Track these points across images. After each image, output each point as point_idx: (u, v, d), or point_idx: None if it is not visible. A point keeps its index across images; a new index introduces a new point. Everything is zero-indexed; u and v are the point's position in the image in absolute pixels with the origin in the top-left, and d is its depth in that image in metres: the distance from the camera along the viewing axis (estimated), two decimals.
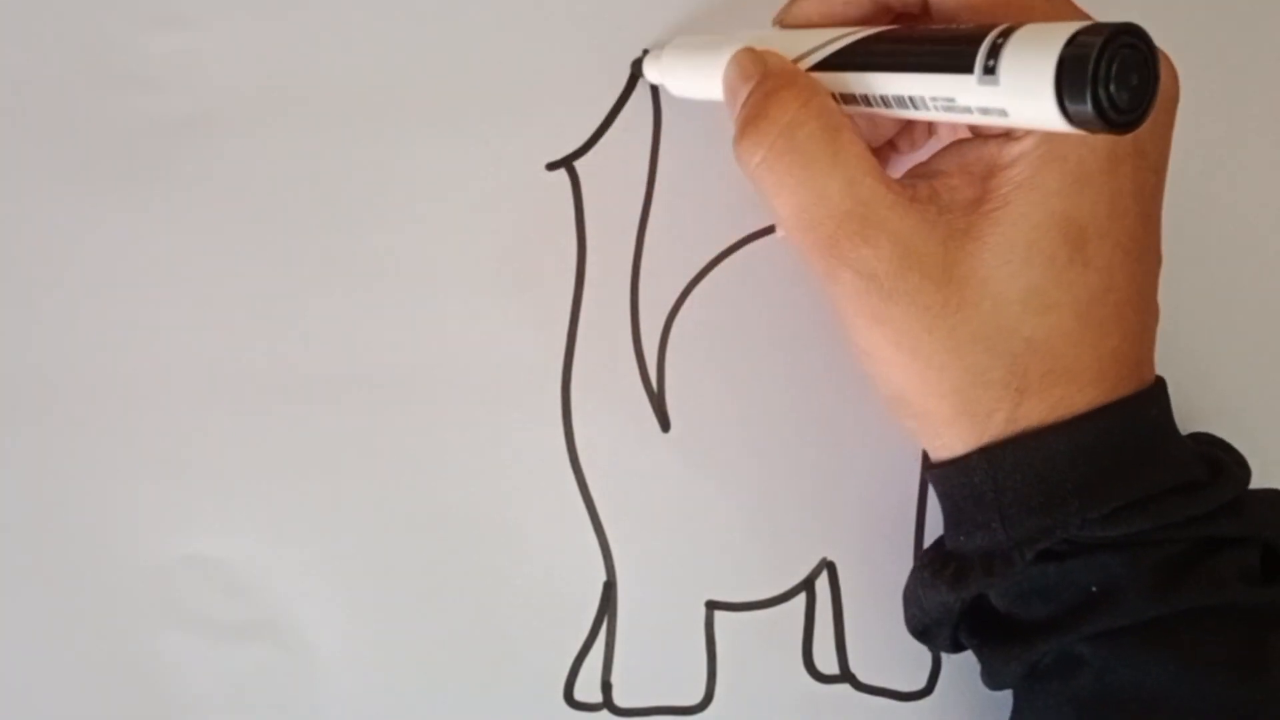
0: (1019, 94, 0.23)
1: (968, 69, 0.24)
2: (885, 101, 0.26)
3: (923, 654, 0.35)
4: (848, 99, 0.28)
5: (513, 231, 0.35)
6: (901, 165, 0.33)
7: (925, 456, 0.35)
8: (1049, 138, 0.27)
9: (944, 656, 0.35)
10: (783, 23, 0.31)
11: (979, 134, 0.29)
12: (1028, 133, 0.27)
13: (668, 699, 0.35)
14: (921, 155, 0.32)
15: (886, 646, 0.35)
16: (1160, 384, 0.30)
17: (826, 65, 0.28)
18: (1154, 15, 0.36)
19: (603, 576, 0.35)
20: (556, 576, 0.35)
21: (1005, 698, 0.34)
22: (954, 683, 0.35)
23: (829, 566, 0.35)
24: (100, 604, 0.34)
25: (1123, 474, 0.28)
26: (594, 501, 0.35)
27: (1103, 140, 0.27)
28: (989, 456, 0.28)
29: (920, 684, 0.35)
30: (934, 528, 0.35)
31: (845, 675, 0.35)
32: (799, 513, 0.35)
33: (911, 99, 0.26)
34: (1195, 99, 0.37)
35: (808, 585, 0.35)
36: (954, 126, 0.31)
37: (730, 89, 0.30)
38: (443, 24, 0.35)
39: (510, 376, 0.35)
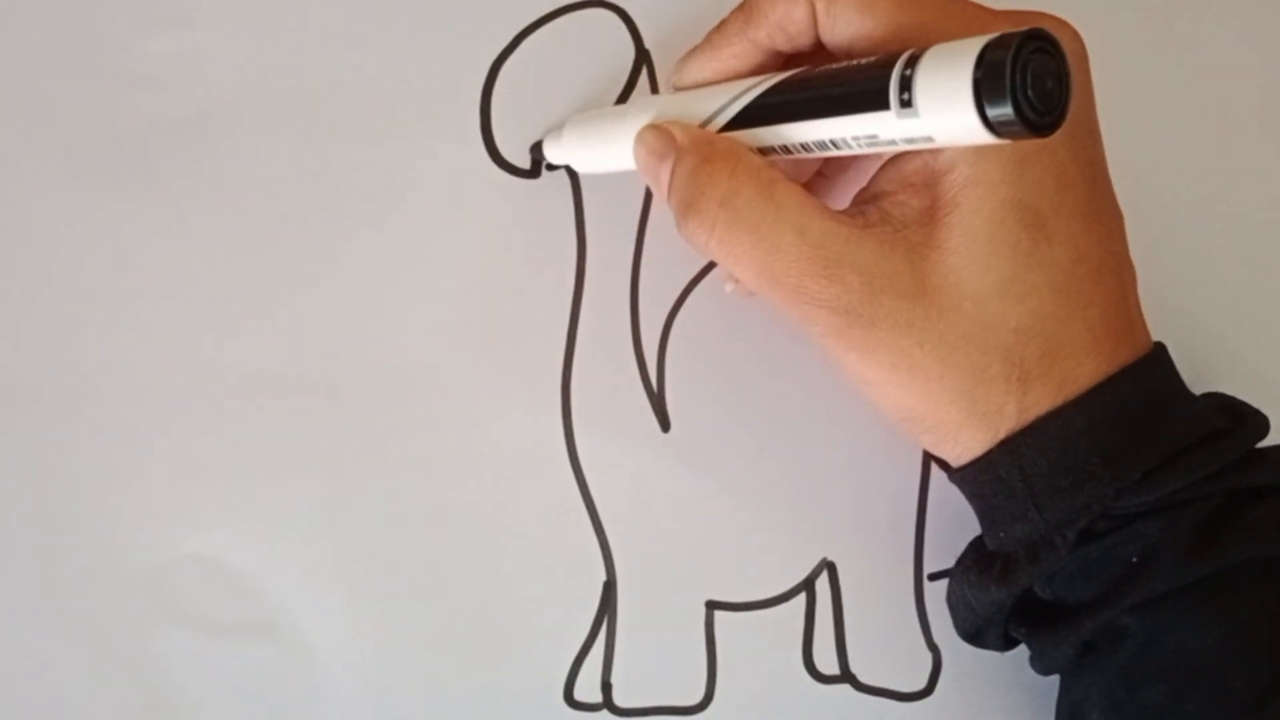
0: (940, 120, 0.23)
1: (884, 105, 0.24)
2: (807, 148, 0.27)
3: (923, 654, 0.35)
4: (766, 151, 0.28)
5: (513, 231, 0.35)
6: (837, 190, 0.33)
7: (929, 460, 0.35)
8: None
9: (944, 657, 0.35)
10: (676, 85, 0.31)
11: (910, 153, 0.28)
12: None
13: (668, 699, 0.35)
14: (855, 175, 0.32)
15: (886, 646, 0.35)
16: (1160, 346, 0.30)
17: (737, 124, 0.28)
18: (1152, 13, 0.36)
19: (603, 576, 0.35)
20: (556, 576, 0.35)
21: (1005, 698, 0.34)
22: (954, 683, 0.35)
23: (829, 566, 0.35)
24: (100, 604, 0.34)
25: (1144, 437, 0.28)
26: (594, 501, 0.35)
27: None
28: (1010, 448, 0.28)
29: (920, 684, 0.35)
30: (934, 528, 0.35)
31: (845, 675, 0.35)
32: (799, 513, 0.35)
33: (833, 141, 0.26)
34: (1193, 94, 0.37)
35: (808, 585, 0.35)
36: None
37: (647, 172, 0.30)
38: (443, 24, 0.35)
39: (510, 376, 0.35)
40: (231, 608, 0.34)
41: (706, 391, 0.35)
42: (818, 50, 0.29)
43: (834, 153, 0.26)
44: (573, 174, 0.35)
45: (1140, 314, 0.30)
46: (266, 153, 0.34)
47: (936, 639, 0.35)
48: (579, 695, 0.35)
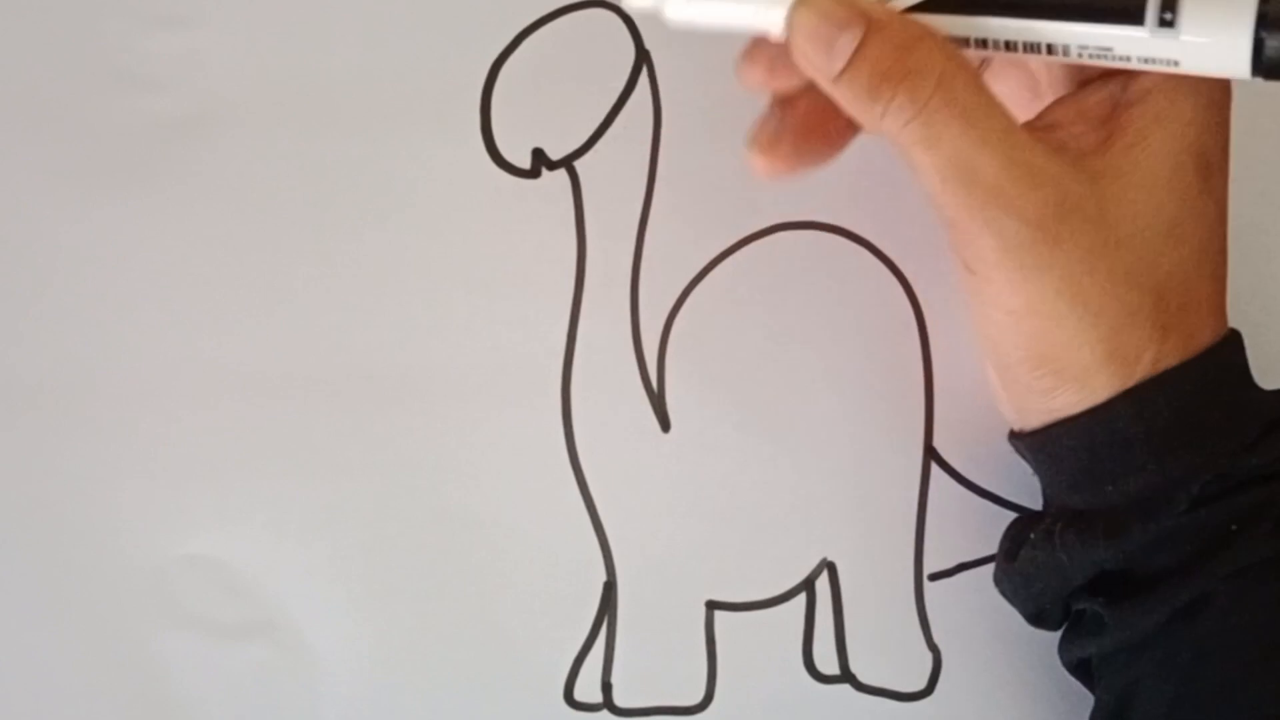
0: (1203, 44, 0.22)
1: (1137, 19, 0.23)
2: (1013, 47, 0.25)
3: (923, 654, 0.35)
4: (958, 42, 0.27)
5: (513, 231, 0.35)
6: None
7: (929, 460, 0.35)
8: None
9: (944, 657, 0.35)
10: None
11: (1092, 78, 0.28)
12: (1154, 73, 0.27)
13: (668, 699, 0.35)
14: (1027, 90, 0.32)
15: (886, 646, 0.35)
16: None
17: (934, 5, 0.27)
18: None
19: (603, 576, 0.35)
20: (556, 576, 0.35)
21: (1005, 698, 0.34)
22: (954, 683, 0.35)
23: (829, 566, 0.35)
24: (100, 604, 0.34)
25: (1257, 400, 0.29)
26: (594, 501, 0.35)
27: None
28: (1135, 398, 0.28)
29: (920, 684, 0.35)
30: (934, 528, 0.35)
31: (845, 675, 0.35)
32: (799, 513, 0.35)
33: (1053, 46, 0.25)
34: None
35: (808, 585, 0.35)
36: (1060, 75, 0.30)
37: (816, 39, 0.27)
38: (443, 24, 0.35)
39: (510, 376, 0.35)
40: (231, 608, 0.34)
41: (706, 391, 0.35)
42: None
43: (1045, 58, 0.25)
44: (573, 174, 0.35)
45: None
46: (266, 153, 0.34)
47: (936, 639, 0.35)
48: (579, 695, 0.35)
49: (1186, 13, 0.22)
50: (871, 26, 0.27)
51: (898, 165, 0.34)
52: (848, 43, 0.27)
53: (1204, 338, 0.28)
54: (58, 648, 0.34)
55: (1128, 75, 0.27)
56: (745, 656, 0.35)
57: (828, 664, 0.35)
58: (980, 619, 0.35)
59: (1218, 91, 0.28)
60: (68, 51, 0.34)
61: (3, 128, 0.34)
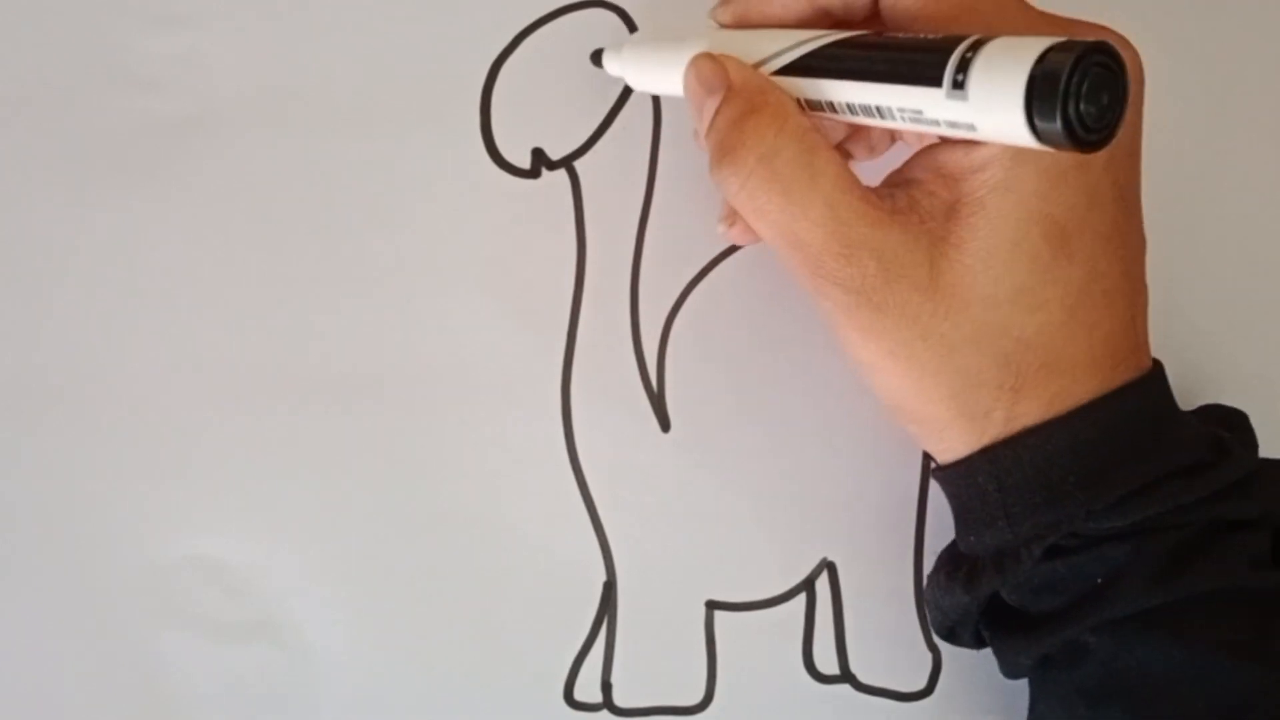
0: (988, 110, 0.23)
1: (936, 82, 0.23)
2: (852, 109, 0.26)
3: (923, 654, 0.35)
4: (813, 105, 0.28)
5: (513, 231, 0.35)
6: (858, 171, 0.33)
7: (929, 460, 0.35)
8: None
9: (944, 657, 0.35)
10: (718, 20, 0.31)
11: (948, 139, 0.28)
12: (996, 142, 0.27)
13: (668, 699, 0.35)
14: (880, 160, 0.32)
15: (886, 646, 0.35)
16: (1158, 367, 0.30)
17: (790, 70, 0.28)
18: (1145, 9, 0.36)
19: (603, 576, 0.35)
20: (556, 576, 0.35)
21: (1005, 698, 0.34)
22: (954, 683, 0.35)
23: (829, 566, 0.35)
24: (100, 604, 0.34)
25: (1124, 463, 0.28)
26: (594, 501, 0.35)
27: None
28: (990, 457, 0.29)
29: (920, 684, 0.35)
30: (934, 528, 0.35)
31: (845, 675, 0.35)
32: (799, 513, 0.35)
33: (879, 109, 0.25)
34: (1193, 90, 0.37)
35: (808, 585, 0.35)
36: (919, 133, 0.31)
37: (694, 100, 0.29)
38: (443, 24, 0.35)
39: (510, 376, 0.35)
40: (231, 608, 0.34)
41: (706, 391, 0.35)
42: (869, 17, 0.29)
43: (878, 122, 0.26)
44: (573, 174, 0.35)
45: (1145, 337, 0.30)
46: (266, 153, 0.34)
47: (937, 639, 0.35)
48: (579, 695, 0.35)
49: (974, 78, 0.23)
50: (728, 93, 0.28)
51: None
52: (710, 106, 0.28)
53: (1074, 397, 0.28)
54: (58, 648, 0.34)
55: (974, 143, 0.27)
56: (745, 656, 0.35)
57: (828, 664, 0.35)
58: None
59: (1064, 159, 0.27)
60: (68, 51, 0.34)
61: (3, 128, 0.34)
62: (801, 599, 0.35)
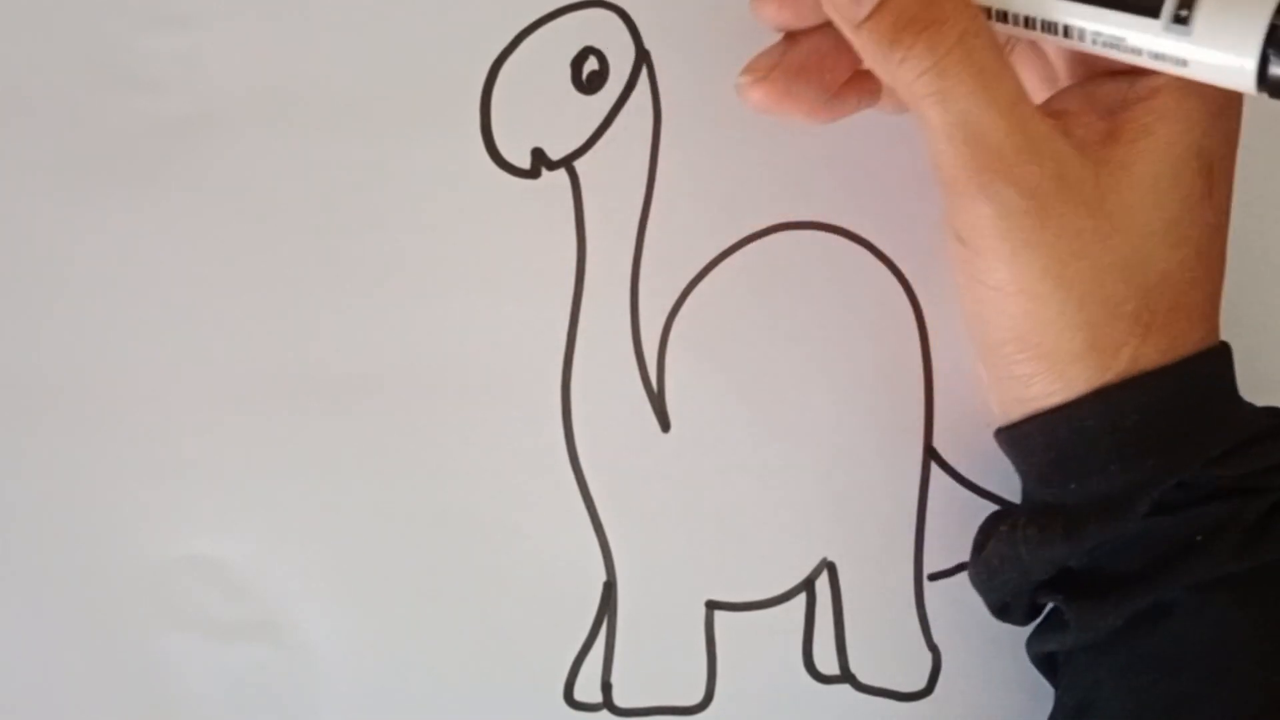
0: (1211, 49, 0.22)
1: (1153, 13, 0.23)
2: (1031, 24, 0.25)
3: (923, 654, 0.35)
4: (987, 12, 0.27)
5: (513, 231, 0.35)
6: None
7: (929, 460, 0.35)
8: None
9: (944, 657, 0.35)
10: None
11: (1105, 72, 0.28)
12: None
13: (668, 699, 0.35)
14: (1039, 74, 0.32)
15: (886, 646, 0.35)
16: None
17: None
18: None
19: (603, 576, 0.35)
20: (556, 576, 0.35)
21: (1005, 698, 0.34)
22: (954, 683, 0.35)
23: (829, 566, 0.35)
24: (100, 604, 0.34)
25: (1232, 416, 0.28)
26: (594, 501, 0.35)
27: None
28: (1104, 399, 0.28)
29: (920, 684, 0.35)
30: (934, 528, 0.35)
31: (845, 675, 0.35)
32: (799, 513, 0.35)
33: (1070, 29, 0.25)
34: None
35: (808, 585, 0.35)
36: (1075, 67, 0.30)
37: None
38: (443, 24, 0.35)
39: (510, 376, 0.35)
40: (231, 608, 0.34)
41: (706, 391, 0.35)
42: None
43: (1060, 41, 0.25)
44: (573, 174, 0.35)
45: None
46: (266, 153, 0.34)
47: (936, 639, 0.35)
48: (579, 695, 0.35)
49: (1202, 13, 0.22)
50: None
51: (898, 165, 0.34)
52: None
53: (1189, 344, 0.28)
54: (58, 648, 0.34)
55: (1137, 72, 0.27)
56: (745, 656, 0.35)
57: (828, 664, 0.35)
58: (980, 619, 0.34)
59: (1225, 99, 0.27)
60: (68, 51, 0.34)
61: (3, 128, 0.34)
62: (801, 599, 0.35)
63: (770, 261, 0.35)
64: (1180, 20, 0.22)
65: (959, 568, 0.35)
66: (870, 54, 0.27)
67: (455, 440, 0.34)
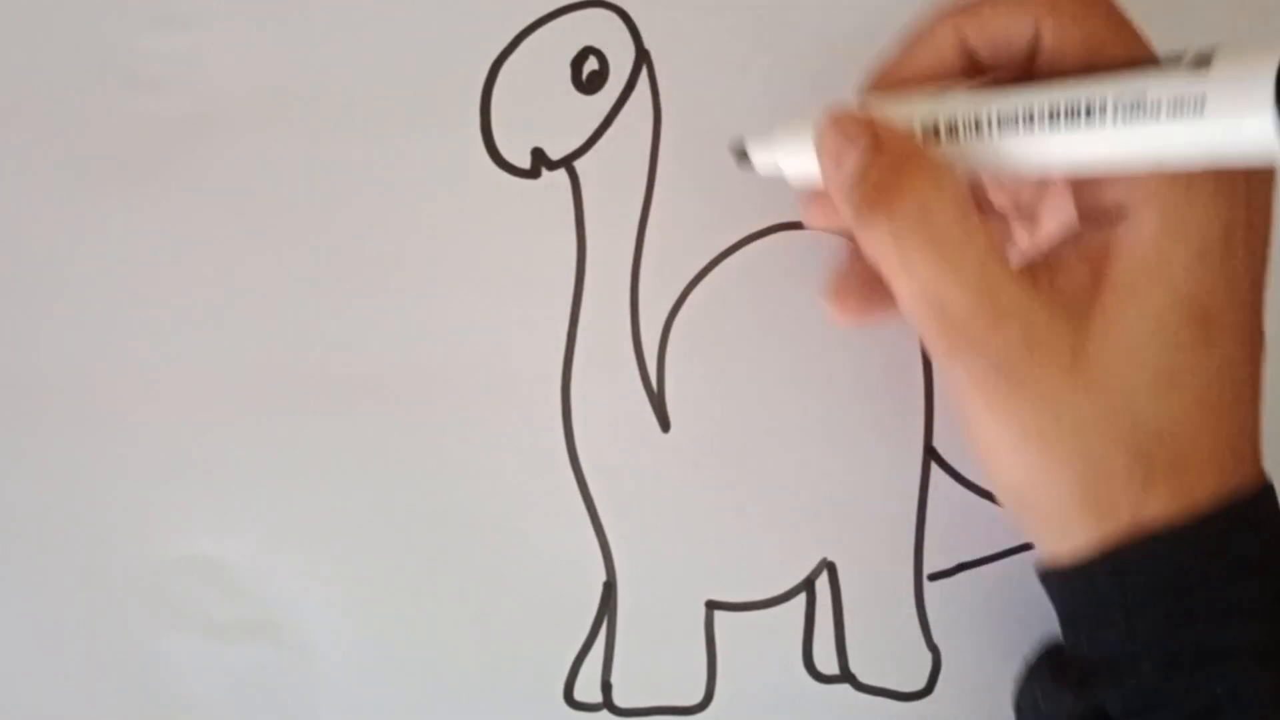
0: (1232, 84, 0.22)
1: (1173, 63, 0.23)
2: (1055, 113, 0.25)
3: (923, 654, 0.35)
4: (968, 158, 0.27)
5: (513, 231, 0.35)
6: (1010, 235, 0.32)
7: (929, 460, 0.35)
8: (1168, 217, 0.26)
9: (944, 657, 0.35)
10: (874, 86, 0.30)
11: (1091, 222, 0.28)
12: (1147, 215, 0.27)
13: (668, 699, 0.35)
14: (1027, 228, 0.32)
15: (886, 646, 0.35)
16: (1269, 483, 0.29)
17: (941, 132, 0.27)
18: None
19: (603, 576, 0.35)
20: (556, 576, 0.35)
21: (1005, 698, 0.34)
22: (954, 683, 0.35)
23: (829, 566, 0.35)
24: (100, 604, 0.34)
25: (1253, 573, 0.27)
26: (594, 501, 0.35)
27: (1219, 212, 0.26)
28: (1113, 559, 0.27)
29: (920, 684, 0.35)
30: (934, 528, 0.35)
31: (845, 675, 0.35)
32: (799, 513, 0.35)
33: (1089, 106, 0.24)
34: None
35: (808, 585, 0.35)
36: (1060, 218, 0.30)
37: (831, 153, 0.28)
38: (443, 24, 0.35)
39: (510, 376, 0.35)
40: (231, 608, 0.34)
41: (706, 391, 0.35)
42: (1022, 66, 0.28)
43: (1077, 132, 0.25)
44: (573, 174, 0.35)
45: (1259, 438, 0.29)
46: (266, 153, 0.34)
47: (936, 639, 0.35)
48: (579, 695, 0.35)
49: (1220, 56, 0.22)
50: (875, 144, 0.27)
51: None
52: (852, 158, 0.27)
53: (1201, 496, 0.27)
54: (58, 648, 0.34)
55: (1124, 222, 0.27)
56: (745, 656, 0.35)
57: (827, 664, 0.35)
58: (980, 619, 0.35)
59: (1211, 237, 0.26)
60: (68, 51, 0.34)
61: (2, 127, 0.34)
62: (801, 599, 0.35)
63: (770, 261, 0.35)
64: (1201, 62, 0.23)
65: (959, 568, 0.35)
66: (849, 223, 0.28)
67: (455, 440, 0.34)
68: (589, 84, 0.35)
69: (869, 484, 0.35)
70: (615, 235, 0.35)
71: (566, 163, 0.35)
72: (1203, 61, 0.23)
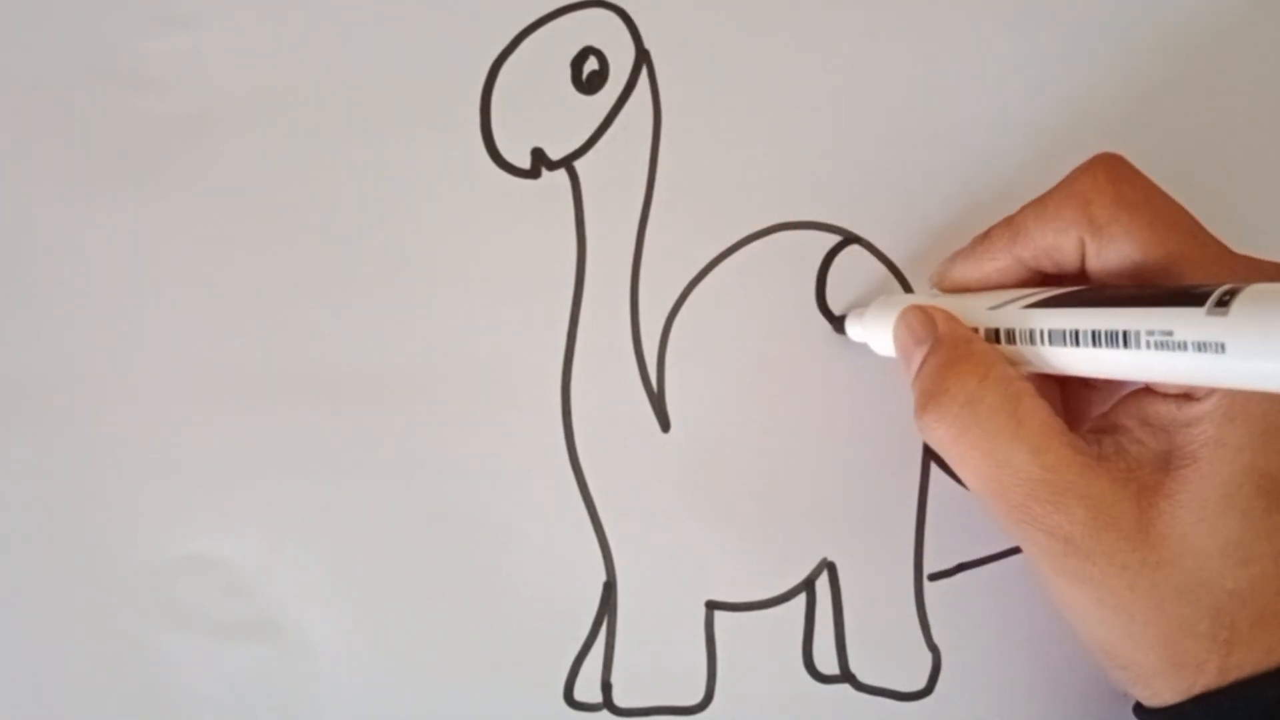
0: (1249, 330, 0.23)
1: (1198, 301, 0.24)
2: (1096, 337, 0.26)
3: (923, 654, 0.35)
4: (1020, 357, 0.28)
5: (513, 231, 0.35)
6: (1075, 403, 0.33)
7: (929, 460, 0.35)
8: (1233, 403, 0.27)
9: (944, 657, 0.35)
10: (937, 286, 0.32)
11: (1153, 390, 0.29)
12: (1209, 392, 0.27)
13: (668, 699, 0.35)
14: (1094, 396, 0.32)
15: (886, 646, 0.35)
16: None
17: (1002, 336, 0.28)
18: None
19: (603, 576, 0.35)
20: (556, 576, 0.35)
21: (1005, 698, 0.34)
22: (954, 683, 0.35)
23: (829, 566, 0.35)
24: (100, 604, 0.34)
25: None
26: (594, 501, 0.35)
27: None
28: (1206, 704, 0.28)
29: (920, 684, 0.35)
30: (934, 528, 0.35)
31: (845, 675, 0.35)
32: (799, 513, 0.35)
33: (1126, 334, 0.25)
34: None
35: (808, 585, 0.35)
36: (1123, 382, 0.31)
37: (903, 350, 0.30)
38: (443, 24, 0.35)
39: (510, 376, 0.35)
40: (231, 608, 0.34)
41: (706, 391, 0.35)
42: (1078, 277, 0.29)
43: (1115, 353, 0.26)
44: (573, 174, 0.35)
45: None
46: (266, 153, 0.34)
47: (936, 639, 0.35)
48: (579, 695, 0.35)
49: (1240, 298, 0.23)
50: (934, 343, 0.29)
51: (898, 166, 0.34)
52: (918, 356, 0.29)
53: None
54: (58, 647, 0.34)
55: (1185, 397, 0.28)
56: (745, 656, 0.35)
57: (828, 664, 0.35)
58: (980, 619, 0.35)
59: (1276, 416, 0.27)
60: (68, 51, 0.34)
61: (3, 128, 0.34)
62: (801, 599, 0.35)
63: (770, 261, 0.35)
64: (1222, 304, 0.23)
65: (959, 568, 0.35)
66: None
67: (455, 440, 0.34)
68: (589, 84, 0.35)
69: (869, 484, 0.35)
70: (615, 235, 0.35)
71: (566, 163, 0.35)
72: (1224, 302, 0.24)
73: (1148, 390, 0.29)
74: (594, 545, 0.35)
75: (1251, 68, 0.36)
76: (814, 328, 0.35)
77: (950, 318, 0.30)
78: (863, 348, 0.34)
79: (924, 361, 0.29)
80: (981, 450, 0.28)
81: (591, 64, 0.35)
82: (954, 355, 0.29)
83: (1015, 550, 0.35)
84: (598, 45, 0.35)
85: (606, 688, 0.35)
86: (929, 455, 0.35)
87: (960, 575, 0.35)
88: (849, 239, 0.35)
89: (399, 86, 0.35)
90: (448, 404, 0.34)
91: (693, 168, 0.35)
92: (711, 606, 0.35)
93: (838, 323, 0.35)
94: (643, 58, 0.35)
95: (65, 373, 0.34)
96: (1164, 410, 0.28)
